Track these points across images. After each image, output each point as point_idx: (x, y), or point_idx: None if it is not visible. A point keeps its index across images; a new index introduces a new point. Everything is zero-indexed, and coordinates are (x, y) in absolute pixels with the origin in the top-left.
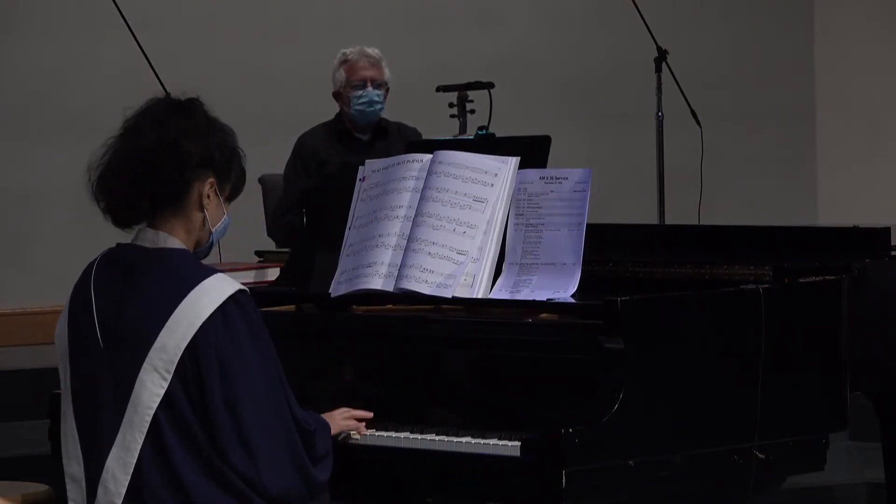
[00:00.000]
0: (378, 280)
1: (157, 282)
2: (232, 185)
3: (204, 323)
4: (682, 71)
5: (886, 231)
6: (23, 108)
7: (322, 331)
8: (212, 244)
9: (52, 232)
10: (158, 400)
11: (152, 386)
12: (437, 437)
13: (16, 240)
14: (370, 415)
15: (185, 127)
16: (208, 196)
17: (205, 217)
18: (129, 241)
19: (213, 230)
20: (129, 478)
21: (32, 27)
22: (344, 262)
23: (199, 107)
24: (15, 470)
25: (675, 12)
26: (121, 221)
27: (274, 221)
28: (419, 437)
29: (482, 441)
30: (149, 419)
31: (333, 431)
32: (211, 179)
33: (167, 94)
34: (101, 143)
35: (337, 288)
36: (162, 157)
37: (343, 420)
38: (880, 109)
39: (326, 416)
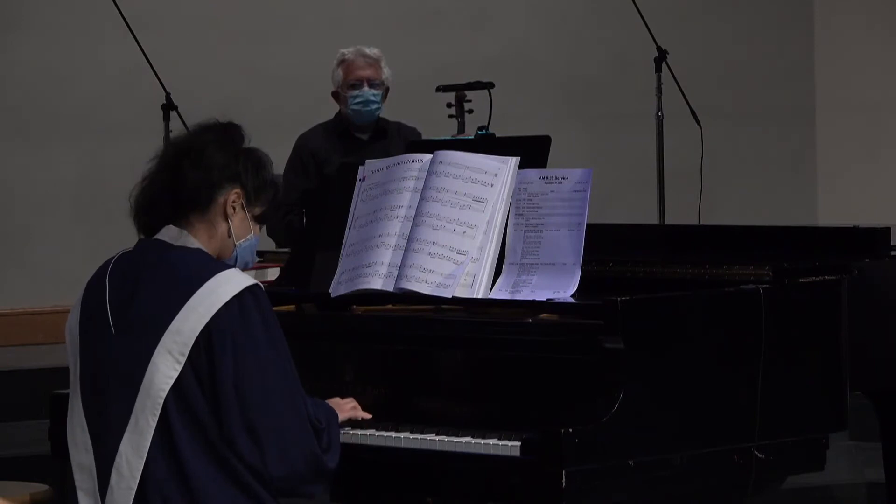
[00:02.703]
0: (378, 280)
1: (173, 270)
2: (262, 210)
3: (220, 309)
4: (682, 71)
5: (886, 231)
6: (23, 108)
7: (322, 331)
8: (237, 259)
9: (52, 232)
10: (171, 383)
11: (165, 369)
12: (437, 437)
13: (16, 240)
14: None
15: (216, 139)
16: (233, 207)
17: (229, 227)
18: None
19: (238, 244)
20: (144, 461)
21: (33, 27)
22: (344, 262)
23: (237, 130)
24: (15, 470)
25: (675, 12)
26: (146, 228)
27: (274, 221)
28: (419, 437)
29: (482, 441)
30: (161, 402)
31: (341, 418)
32: (237, 190)
33: (214, 118)
34: (103, 143)
35: (337, 288)
36: (187, 159)
37: (350, 409)
38: (880, 109)
39: (334, 404)
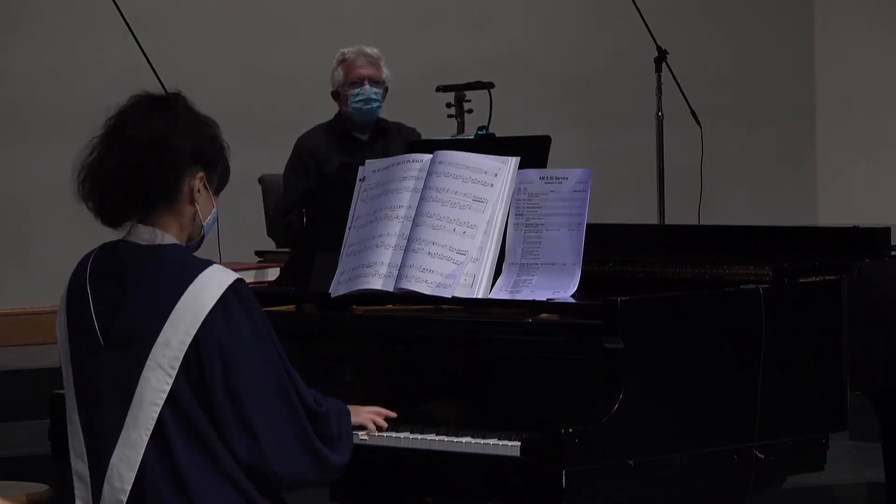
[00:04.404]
0: (378, 280)
1: (153, 278)
2: (218, 177)
3: (206, 317)
4: (682, 71)
5: (886, 231)
6: (23, 108)
7: (322, 331)
8: (203, 237)
9: (52, 232)
10: (164, 397)
11: (157, 383)
12: (437, 437)
13: (16, 240)
14: (394, 414)
15: (171, 124)
16: (198, 190)
17: (196, 211)
18: (117, 239)
19: (204, 223)
20: (135, 474)
21: (33, 27)
22: (344, 262)
23: (182, 101)
24: (15, 470)
25: (675, 12)
26: (110, 221)
27: (274, 221)
28: (419, 437)
29: (482, 441)
30: (155, 416)
31: (356, 421)
32: (200, 174)
33: (147, 91)
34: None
35: (337, 288)
36: (151, 156)
37: (369, 415)
38: (880, 109)
39: (352, 408)
